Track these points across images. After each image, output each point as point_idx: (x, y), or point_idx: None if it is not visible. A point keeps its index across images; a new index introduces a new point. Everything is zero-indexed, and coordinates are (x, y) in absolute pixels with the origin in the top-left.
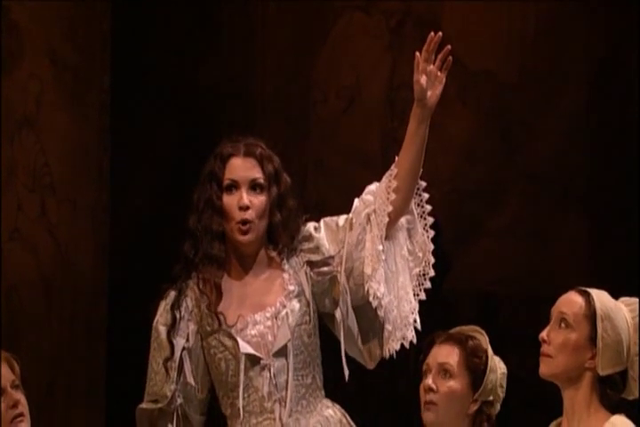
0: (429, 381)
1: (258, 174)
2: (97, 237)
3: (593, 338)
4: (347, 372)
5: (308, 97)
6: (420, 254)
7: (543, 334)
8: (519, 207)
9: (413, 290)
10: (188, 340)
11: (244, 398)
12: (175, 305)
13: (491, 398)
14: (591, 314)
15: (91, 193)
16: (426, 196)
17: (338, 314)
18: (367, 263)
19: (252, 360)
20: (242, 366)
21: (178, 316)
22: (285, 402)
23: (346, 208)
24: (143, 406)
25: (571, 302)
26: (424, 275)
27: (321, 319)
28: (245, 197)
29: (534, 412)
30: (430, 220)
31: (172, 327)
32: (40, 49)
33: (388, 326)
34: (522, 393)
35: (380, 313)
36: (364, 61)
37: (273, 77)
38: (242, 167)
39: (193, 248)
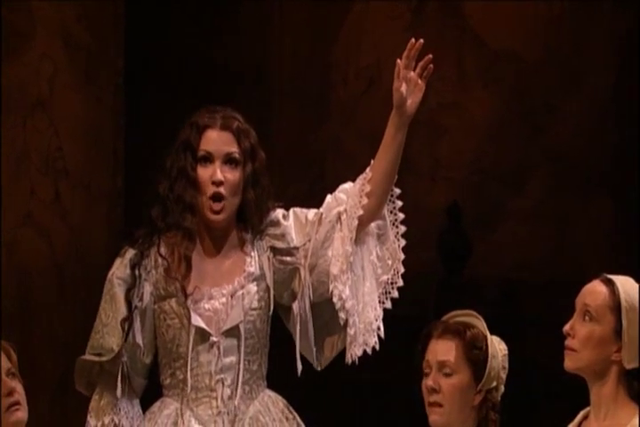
0: (431, 381)
1: (233, 149)
2: (111, 222)
3: (618, 331)
4: (300, 367)
5: (327, 79)
6: (390, 262)
7: (567, 328)
8: (542, 190)
9: (379, 297)
10: (141, 299)
11: (187, 372)
12: (136, 265)
13: (494, 383)
14: (616, 306)
15: (105, 177)
16: (399, 203)
17: (295, 307)
18: (334, 263)
19: (202, 335)
20: (191, 338)
21: (137, 276)
22: (237, 384)
23: None
24: (84, 357)
25: (594, 292)
26: (392, 283)
27: (274, 310)
28: (219, 171)
29: (557, 399)
30: (402, 228)
31: (133, 287)
32: (53, 29)
33: (350, 331)
34: (545, 381)
35: (342, 315)
36: (384, 42)
37: (290, 59)
38: (218, 140)
39: (161, 215)
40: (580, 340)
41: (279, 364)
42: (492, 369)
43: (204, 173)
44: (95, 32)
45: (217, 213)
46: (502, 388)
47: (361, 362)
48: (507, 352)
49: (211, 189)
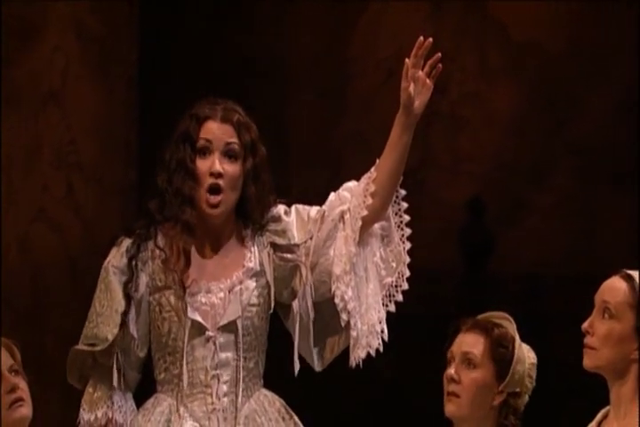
0: (452, 371)
1: (234, 139)
2: (124, 216)
3: (639, 328)
4: (297, 366)
5: (345, 71)
6: (394, 264)
7: (586, 325)
8: (566, 184)
9: (383, 300)
10: (136, 290)
11: (184, 366)
12: (132, 257)
13: (518, 389)
14: (636, 302)
15: (118, 171)
16: (405, 205)
17: (295, 306)
18: (336, 263)
19: (198, 329)
20: (186, 332)
21: (134, 266)
22: (238, 382)
23: None
24: (78, 347)
25: (614, 289)
26: (396, 286)
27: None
28: (218, 163)
29: (581, 397)
30: (408, 231)
31: (130, 279)
32: (65, 22)
33: (353, 333)
34: (568, 378)
35: (344, 317)
36: (404, 33)
37: (308, 50)
38: (217, 131)
39: (159, 208)
40: (600, 338)
41: (278, 363)
42: (516, 372)
43: (202, 164)
44: (108, 24)
45: (214, 206)
46: (527, 397)
47: (380, 359)
48: (535, 362)
49: (208, 181)
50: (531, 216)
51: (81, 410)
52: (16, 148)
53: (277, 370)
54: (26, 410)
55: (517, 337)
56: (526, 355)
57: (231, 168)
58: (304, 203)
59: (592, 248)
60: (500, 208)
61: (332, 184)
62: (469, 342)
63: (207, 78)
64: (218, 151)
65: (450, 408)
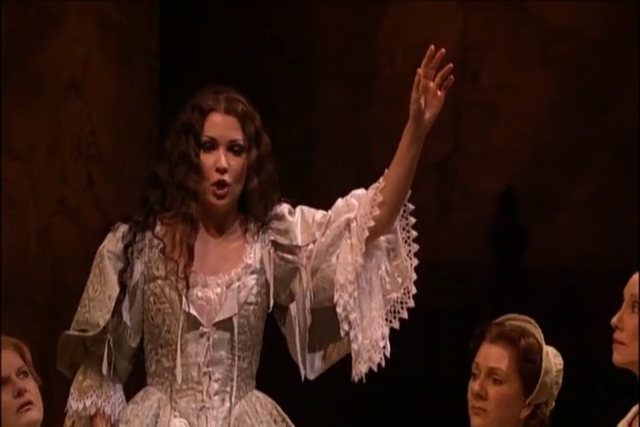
0: (477, 387)
1: (238, 135)
2: None
3: None
4: (303, 371)
5: (373, 60)
6: (400, 280)
7: (615, 320)
8: (602, 176)
9: (386, 316)
10: (131, 277)
11: (177, 360)
12: (128, 245)
13: (544, 399)
14: None
15: (139, 162)
16: (412, 220)
17: (293, 309)
18: (340, 272)
19: (192, 323)
20: (180, 325)
21: (130, 253)
22: (234, 380)
23: (414, 180)
24: (68, 332)
25: None
26: (402, 303)
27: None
28: (223, 158)
29: (615, 393)
30: (415, 247)
31: (126, 268)
32: (85, 10)
33: (354, 346)
34: (605, 375)
35: (345, 327)
36: (433, 20)
37: (334, 39)
38: (222, 125)
39: (159, 199)
40: (629, 332)
41: (273, 365)
42: (543, 385)
43: (207, 159)
44: (129, 12)
45: (220, 197)
46: (553, 403)
47: (410, 357)
48: (562, 367)
49: (215, 177)
50: (565, 209)
51: (69, 398)
52: (36, 138)
53: (274, 373)
54: (35, 413)
55: (544, 345)
56: (552, 362)
57: (236, 162)
58: (328, 195)
59: (629, 242)
60: (533, 201)
61: (358, 176)
62: (495, 357)
63: (231, 67)
64: (223, 146)
65: (476, 422)
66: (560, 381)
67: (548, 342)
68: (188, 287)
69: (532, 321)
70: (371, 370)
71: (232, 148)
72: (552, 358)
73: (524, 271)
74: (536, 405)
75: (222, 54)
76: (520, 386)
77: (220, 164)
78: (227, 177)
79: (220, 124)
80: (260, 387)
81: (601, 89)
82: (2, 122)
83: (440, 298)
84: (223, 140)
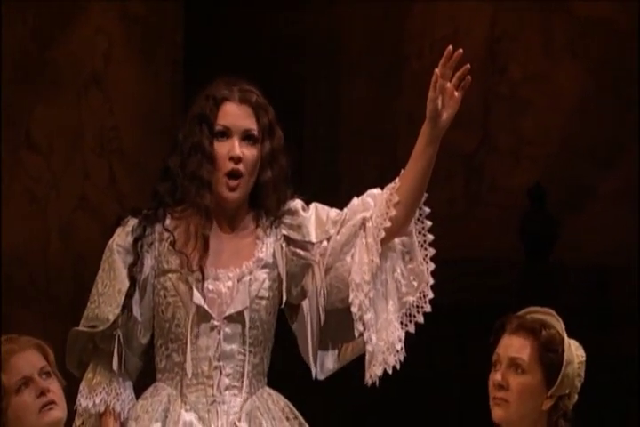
0: (499, 377)
1: (252, 125)
2: None
3: None
4: (314, 369)
5: (400, 51)
6: (415, 284)
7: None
8: (634, 169)
9: (402, 319)
10: (141, 272)
11: (187, 354)
12: (138, 238)
13: (567, 391)
14: None
15: (162, 158)
16: (429, 224)
17: (305, 306)
18: (356, 271)
19: (203, 316)
20: (191, 318)
21: (139, 247)
22: (244, 375)
23: (442, 174)
24: (78, 328)
25: None
26: (417, 307)
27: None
28: (237, 147)
29: None
30: (432, 251)
31: (136, 262)
32: (108, 2)
33: (369, 348)
34: (632, 372)
35: (359, 327)
36: (461, 12)
37: (362, 30)
38: (236, 115)
39: (170, 191)
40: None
41: (284, 365)
42: (565, 376)
43: (221, 148)
44: (152, 5)
45: (232, 189)
46: (576, 396)
47: (437, 354)
48: (584, 359)
49: (228, 166)
50: (596, 203)
51: (79, 396)
52: (57, 133)
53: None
54: (58, 413)
55: (565, 336)
56: (575, 354)
57: (250, 152)
58: (354, 192)
59: None
60: (563, 195)
61: (385, 171)
62: (516, 346)
63: (256, 60)
64: (237, 136)
65: (498, 413)
66: (582, 373)
67: (576, 338)
68: (203, 279)
69: (554, 313)
70: (395, 368)
71: (246, 137)
72: (574, 350)
73: (553, 267)
74: (559, 397)
75: (247, 48)
76: (542, 377)
77: (234, 152)
78: (241, 166)
79: (234, 113)
80: (269, 385)
81: (632, 81)
82: (23, 117)
83: (467, 294)
84: (237, 130)
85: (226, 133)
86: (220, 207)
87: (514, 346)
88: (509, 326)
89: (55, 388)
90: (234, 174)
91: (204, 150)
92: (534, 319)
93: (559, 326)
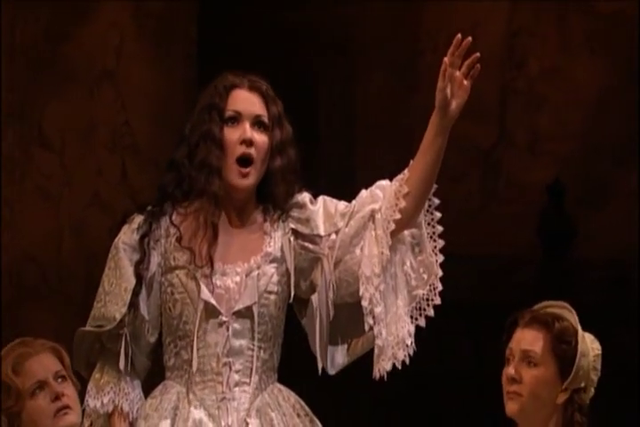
0: (512, 370)
1: (263, 112)
2: None
3: None
4: (321, 364)
5: (416, 45)
6: (425, 276)
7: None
8: None
9: (412, 313)
10: (147, 269)
11: (194, 350)
12: (145, 235)
13: (582, 384)
14: None
15: None
16: (438, 215)
17: (314, 300)
18: (366, 264)
19: (211, 312)
20: (199, 314)
21: (146, 244)
22: (253, 370)
23: (458, 170)
24: (84, 328)
25: None
26: (427, 300)
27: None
28: (249, 130)
29: None
30: (441, 242)
31: (142, 259)
32: None
33: (379, 342)
34: None
35: (369, 321)
36: (479, 5)
37: (377, 23)
38: (247, 100)
39: (174, 182)
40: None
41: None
42: (580, 368)
43: (231, 134)
44: None
45: (244, 176)
46: (592, 390)
47: (455, 351)
48: (600, 352)
49: (239, 150)
50: (615, 199)
51: (86, 396)
52: (69, 129)
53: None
54: (72, 417)
55: (579, 329)
56: (589, 347)
57: (261, 138)
58: (371, 184)
59: None
60: (582, 191)
61: (401, 164)
62: (529, 339)
63: (270, 55)
64: (248, 121)
65: (511, 407)
66: (599, 367)
67: (596, 336)
68: (212, 269)
69: (568, 306)
70: (411, 365)
71: (257, 123)
72: (589, 343)
73: (571, 264)
74: (574, 390)
75: (261, 43)
76: (556, 369)
77: (246, 135)
78: (252, 151)
79: (244, 99)
80: (279, 382)
81: None
82: (35, 113)
83: (485, 292)
84: (248, 114)
85: (237, 119)
86: (228, 198)
87: (526, 339)
88: (522, 320)
89: (70, 392)
90: (245, 159)
91: (214, 137)
92: (547, 313)
93: (573, 318)
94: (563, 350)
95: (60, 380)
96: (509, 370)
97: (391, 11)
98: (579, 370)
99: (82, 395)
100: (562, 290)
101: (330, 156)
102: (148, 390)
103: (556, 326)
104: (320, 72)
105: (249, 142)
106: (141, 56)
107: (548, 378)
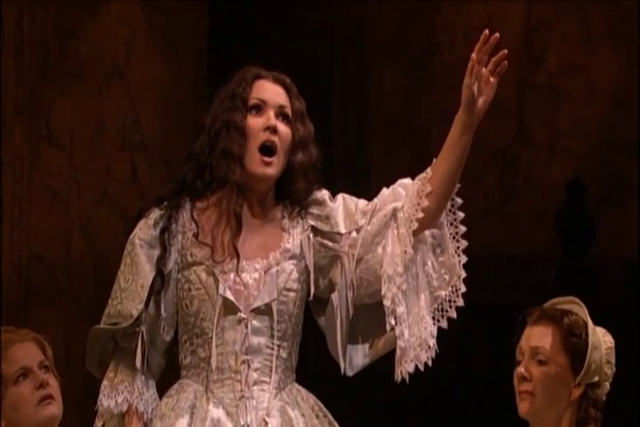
0: (522, 369)
1: (287, 103)
2: None
3: None
4: (342, 364)
5: (432, 40)
6: (447, 277)
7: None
8: None
9: (434, 314)
10: (165, 266)
11: (212, 348)
12: (164, 230)
13: (596, 378)
14: None
15: (186, 152)
16: (461, 215)
17: (335, 299)
18: (388, 263)
19: (229, 309)
20: (217, 311)
21: (166, 240)
22: (272, 369)
23: (476, 168)
24: (100, 326)
25: None
26: (450, 301)
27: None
28: (274, 117)
29: None
30: (464, 243)
31: (163, 255)
32: None
33: (401, 343)
34: None
35: (391, 321)
36: (497, 0)
37: (391, 18)
38: (271, 90)
39: (194, 172)
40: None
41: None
42: (592, 361)
43: (254, 122)
44: None
45: (267, 164)
46: (607, 385)
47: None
48: (612, 345)
49: (262, 137)
50: (636, 197)
51: (100, 395)
52: (78, 127)
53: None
54: (55, 409)
55: (590, 322)
56: (601, 340)
57: (284, 129)
58: (384, 182)
59: None
60: (602, 189)
61: (416, 162)
62: (537, 336)
63: (282, 50)
64: (272, 110)
65: (524, 407)
66: (613, 360)
67: (615, 336)
68: (238, 258)
69: (577, 300)
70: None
71: (280, 114)
72: (601, 336)
73: (592, 263)
74: (588, 385)
75: (272, 38)
76: (567, 365)
77: (270, 122)
78: (276, 139)
79: (269, 89)
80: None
81: None
82: (43, 110)
83: (504, 292)
84: (273, 104)
85: (261, 107)
86: (249, 189)
87: (535, 335)
88: (530, 318)
89: (54, 383)
90: (268, 147)
91: (236, 124)
92: (556, 308)
93: (582, 311)
94: (573, 343)
95: (43, 370)
96: (519, 369)
97: (406, 5)
98: (591, 364)
99: (63, 392)
100: (581, 290)
101: (344, 153)
102: (159, 388)
103: (565, 321)
104: (333, 68)
105: (273, 129)
106: (151, 52)
107: (559, 374)
